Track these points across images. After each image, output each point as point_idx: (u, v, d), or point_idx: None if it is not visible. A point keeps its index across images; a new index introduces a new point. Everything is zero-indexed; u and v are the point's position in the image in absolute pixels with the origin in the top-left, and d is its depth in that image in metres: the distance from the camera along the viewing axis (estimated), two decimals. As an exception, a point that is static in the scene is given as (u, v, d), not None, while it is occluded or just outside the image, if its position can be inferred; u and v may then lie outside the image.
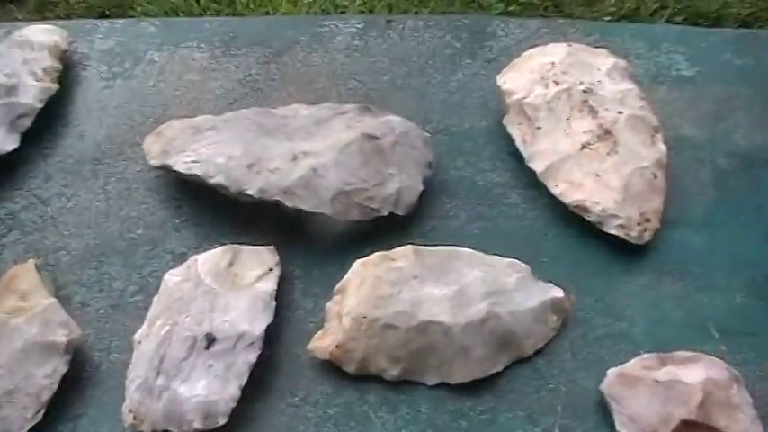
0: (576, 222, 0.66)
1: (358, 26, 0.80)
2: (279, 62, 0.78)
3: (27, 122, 0.74)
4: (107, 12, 1.50)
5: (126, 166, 0.72)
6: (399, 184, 0.65)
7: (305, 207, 0.63)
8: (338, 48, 0.79)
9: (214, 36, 0.81)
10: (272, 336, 0.61)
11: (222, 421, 0.56)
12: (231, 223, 0.67)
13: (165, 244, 0.67)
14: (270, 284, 0.61)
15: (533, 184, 0.68)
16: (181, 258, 0.65)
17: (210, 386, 0.57)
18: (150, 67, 0.79)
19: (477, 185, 0.69)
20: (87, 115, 0.76)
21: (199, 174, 0.65)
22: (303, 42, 0.79)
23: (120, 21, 0.84)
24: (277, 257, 0.63)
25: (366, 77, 0.76)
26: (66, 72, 0.78)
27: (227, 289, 0.61)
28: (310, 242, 0.65)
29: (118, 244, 0.67)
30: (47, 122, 0.75)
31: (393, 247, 0.62)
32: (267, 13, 1.38)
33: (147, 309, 0.61)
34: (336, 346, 0.58)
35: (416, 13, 1.35)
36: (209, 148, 0.67)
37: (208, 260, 0.62)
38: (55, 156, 0.74)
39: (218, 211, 0.68)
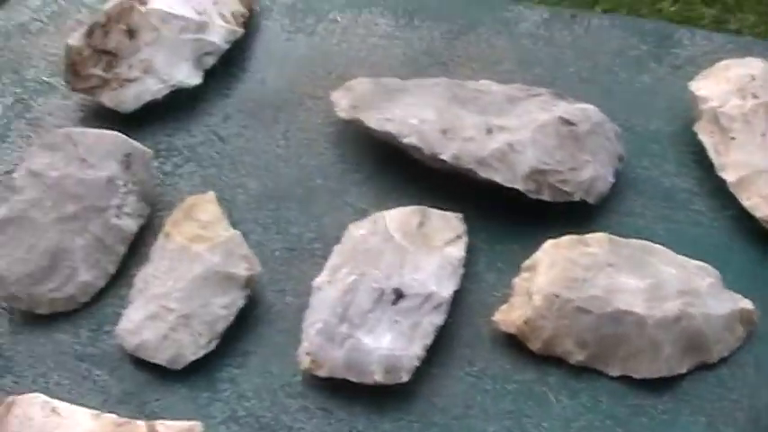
0: (764, 238, 0.64)
1: (544, 16, 0.79)
2: (463, 39, 0.78)
3: (211, 61, 0.75)
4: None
5: (307, 117, 0.72)
6: (593, 172, 0.64)
7: (499, 179, 0.62)
8: (523, 33, 0.78)
9: (398, 5, 0.81)
10: (454, 304, 0.60)
11: (405, 378, 0.55)
12: (413, 186, 0.67)
13: (345, 197, 0.67)
14: (459, 251, 0.61)
15: (719, 193, 0.66)
16: (362, 213, 0.65)
17: (396, 341, 0.56)
18: (333, 25, 0.79)
19: (662, 187, 0.68)
20: (268, 63, 0.76)
21: (392, 132, 0.65)
22: (487, 23, 0.79)
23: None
24: (465, 226, 0.63)
25: (551, 66, 0.75)
26: (249, 20, 0.79)
27: (418, 248, 0.60)
28: (497, 216, 0.65)
29: (296, 190, 0.67)
30: (228, 65, 0.76)
31: (579, 234, 0.61)
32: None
33: (324, 257, 0.61)
34: (525, 322, 0.57)
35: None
36: (402, 109, 0.66)
37: (396, 217, 0.62)
38: (234, 97, 0.74)
39: (398, 173, 0.68)
